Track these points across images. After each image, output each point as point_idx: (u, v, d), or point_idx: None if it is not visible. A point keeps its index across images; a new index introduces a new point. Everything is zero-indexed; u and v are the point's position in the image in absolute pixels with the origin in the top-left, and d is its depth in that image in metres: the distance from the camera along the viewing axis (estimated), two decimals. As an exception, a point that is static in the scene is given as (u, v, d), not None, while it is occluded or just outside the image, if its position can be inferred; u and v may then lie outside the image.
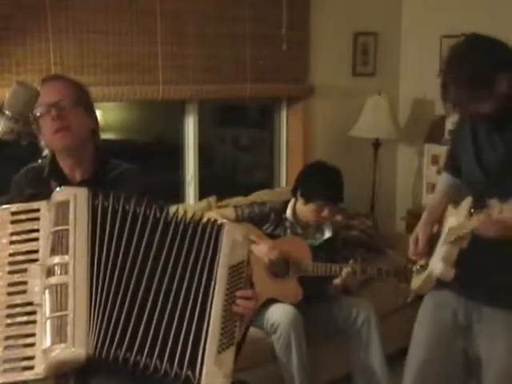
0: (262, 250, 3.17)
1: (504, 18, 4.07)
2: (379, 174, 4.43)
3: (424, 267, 2.18)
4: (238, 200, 3.72)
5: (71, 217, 1.69)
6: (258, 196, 3.78)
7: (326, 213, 3.22)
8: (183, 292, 1.73)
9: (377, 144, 4.35)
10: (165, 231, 1.75)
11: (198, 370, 1.68)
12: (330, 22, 4.23)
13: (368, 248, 3.82)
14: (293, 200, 3.34)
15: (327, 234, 3.34)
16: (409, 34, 4.61)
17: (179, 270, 1.74)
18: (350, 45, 4.41)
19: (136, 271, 1.71)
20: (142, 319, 1.68)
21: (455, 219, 2.04)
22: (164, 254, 1.74)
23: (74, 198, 1.71)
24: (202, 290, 1.75)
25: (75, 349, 1.59)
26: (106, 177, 2.03)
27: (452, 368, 2.24)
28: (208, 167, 4.25)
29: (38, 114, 1.95)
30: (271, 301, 3.16)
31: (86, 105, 2.03)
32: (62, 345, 1.59)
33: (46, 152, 2.07)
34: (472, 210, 1.91)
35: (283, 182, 4.37)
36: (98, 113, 4.11)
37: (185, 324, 1.71)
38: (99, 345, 1.62)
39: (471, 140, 2.15)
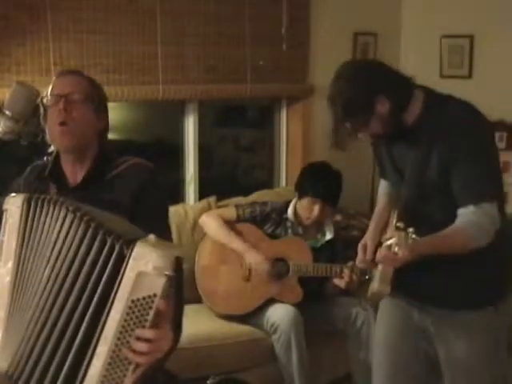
0: (255, 260, 3.16)
1: (504, 17, 4.08)
2: (379, 174, 4.42)
3: (371, 278, 2.19)
4: (238, 200, 3.72)
5: (7, 225, 1.62)
6: (258, 196, 3.78)
7: (316, 210, 3.22)
8: (74, 322, 1.53)
9: (377, 144, 4.34)
10: (79, 244, 1.55)
11: None
12: (330, 21, 4.23)
13: (368, 248, 3.82)
14: (294, 200, 3.34)
15: (328, 236, 3.35)
16: (409, 34, 4.61)
17: (76, 293, 1.53)
18: (349, 45, 4.41)
19: (41, 290, 1.56)
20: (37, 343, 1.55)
21: (389, 232, 2.06)
22: (71, 271, 1.55)
23: (12, 205, 1.63)
24: (90, 324, 1.53)
25: None
26: (104, 177, 1.91)
27: (418, 369, 2.25)
28: (208, 167, 4.24)
29: (48, 104, 1.85)
30: (271, 301, 3.17)
31: (97, 104, 1.92)
32: None
33: (52, 148, 1.98)
34: (397, 224, 1.93)
35: (283, 182, 4.37)
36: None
37: (67, 362, 1.52)
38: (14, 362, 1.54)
39: (384, 147, 2.22)
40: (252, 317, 3.17)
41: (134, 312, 1.50)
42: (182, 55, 3.57)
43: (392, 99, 2.00)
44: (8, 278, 1.59)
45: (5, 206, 1.64)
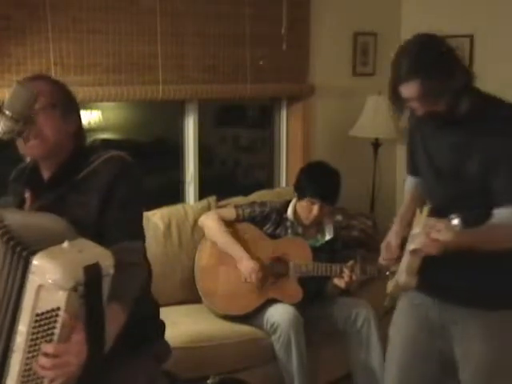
0: (246, 269, 3.16)
1: (504, 17, 4.08)
2: (379, 174, 4.42)
3: (394, 273, 2.19)
4: (238, 200, 3.71)
5: None
6: (258, 196, 3.78)
7: (315, 210, 3.22)
8: None
9: (377, 144, 4.34)
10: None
11: None
12: (330, 21, 4.23)
13: (368, 248, 3.82)
14: (294, 200, 3.34)
15: (328, 236, 3.34)
16: (409, 34, 4.58)
17: None
18: (349, 45, 4.41)
19: None
20: None
21: (417, 229, 2.04)
22: None
23: None
24: (3, 337, 1.53)
25: None
26: (77, 176, 1.87)
27: (431, 369, 2.23)
28: (208, 167, 4.25)
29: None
30: (271, 301, 3.17)
31: (62, 109, 1.87)
32: None
33: None
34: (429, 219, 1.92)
35: (283, 182, 4.37)
36: (98, 113, 4.14)
37: None
38: None
39: (421, 143, 2.16)
40: (252, 317, 3.17)
41: (40, 325, 1.48)
42: (181, 55, 3.57)
43: (466, 78, 1.95)
44: None
45: None
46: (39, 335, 1.49)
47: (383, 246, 2.24)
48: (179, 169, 3.93)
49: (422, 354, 2.22)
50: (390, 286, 2.18)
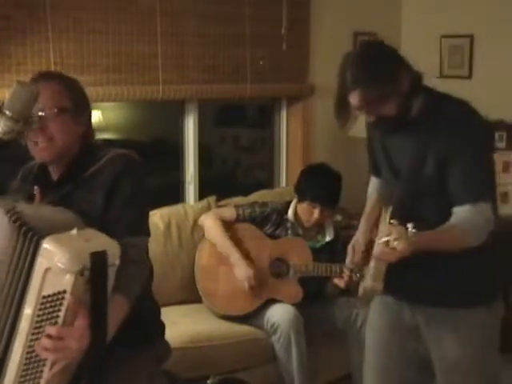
0: (241, 274, 3.16)
1: (504, 17, 4.08)
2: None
3: (363, 276, 2.19)
4: (238, 200, 3.71)
5: None
6: (258, 196, 3.78)
7: (316, 214, 3.22)
8: (3, 318, 1.59)
9: (377, 144, 4.34)
10: (9, 244, 1.59)
11: None
12: (330, 21, 4.23)
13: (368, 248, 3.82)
14: (294, 201, 3.34)
15: (328, 237, 3.34)
16: (409, 34, 4.61)
17: (6, 291, 1.59)
18: (349, 45, 4.40)
19: None
20: None
21: (382, 231, 2.04)
22: (7, 271, 1.59)
23: None
24: (10, 318, 1.58)
25: None
26: (84, 174, 1.88)
27: (409, 369, 2.24)
28: (208, 167, 4.25)
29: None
30: (271, 301, 3.17)
31: (73, 111, 1.88)
32: None
33: None
34: (391, 221, 1.91)
35: (283, 182, 4.37)
36: (98, 113, 4.13)
37: None
38: None
39: (380, 145, 2.18)
40: (252, 317, 3.17)
41: (45, 308, 1.51)
42: (181, 55, 3.57)
43: (412, 79, 1.97)
44: None
45: None
46: (44, 317, 1.52)
47: (350, 248, 2.25)
48: (179, 169, 3.93)
49: (397, 355, 2.23)
50: (360, 289, 2.18)
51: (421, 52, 4.49)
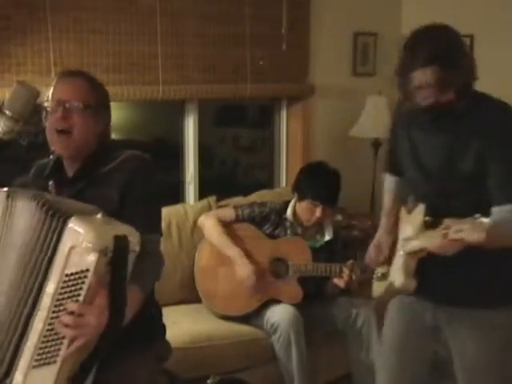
0: (243, 271, 3.16)
1: (504, 17, 4.08)
2: (379, 173, 4.41)
3: (385, 275, 2.17)
4: (238, 200, 3.71)
5: None
6: (258, 196, 3.78)
7: (318, 212, 3.22)
8: (19, 295, 1.64)
9: (377, 144, 4.34)
10: (36, 226, 1.64)
11: (9, 381, 1.64)
12: (330, 21, 4.23)
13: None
14: (293, 200, 3.34)
15: (327, 237, 3.34)
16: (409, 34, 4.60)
17: (29, 270, 1.63)
18: (349, 45, 4.41)
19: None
20: None
21: (410, 229, 2.02)
22: (33, 252, 1.64)
23: None
24: (32, 296, 1.62)
25: None
26: (98, 171, 1.94)
27: (422, 371, 2.24)
28: (208, 167, 4.24)
29: (48, 109, 1.89)
30: (271, 301, 3.17)
31: (95, 109, 1.93)
32: None
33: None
34: (426, 218, 1.90)
35: (283, 182, 4.37)
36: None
37: (10, 330, 1.64)
38: None
39: (408, 142, 2.14)
40: (252, 317, 3.17)
41: (68, 286, 1.56)
42: (181, 55, 3.57)
43: (472, 71, 1.95)
44: None
45: None
46: (66, 295, 1.56)
47: (373, 246, 2.23)
48: (179, 169, 3.93)
49: (412, 357, 2.22)
50: (379, 289, 2.17)
51: (421, 52, 4.51)
